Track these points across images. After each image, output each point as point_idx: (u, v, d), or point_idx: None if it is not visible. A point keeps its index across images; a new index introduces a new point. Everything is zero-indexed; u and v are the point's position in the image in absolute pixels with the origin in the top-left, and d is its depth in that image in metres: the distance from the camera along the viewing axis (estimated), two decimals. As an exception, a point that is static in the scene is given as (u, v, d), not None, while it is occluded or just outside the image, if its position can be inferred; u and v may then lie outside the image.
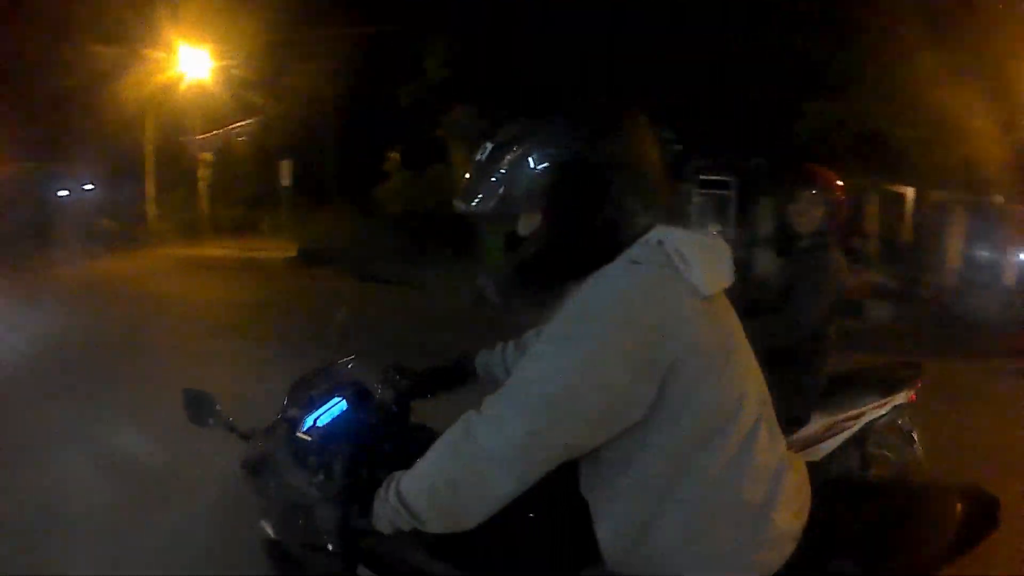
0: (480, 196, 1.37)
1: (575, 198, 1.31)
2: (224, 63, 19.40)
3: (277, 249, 14.75)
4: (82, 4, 19.45)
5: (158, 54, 19.52)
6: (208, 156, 20.77)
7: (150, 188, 22.98)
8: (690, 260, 1.22)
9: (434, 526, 1.25)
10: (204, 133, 20.64)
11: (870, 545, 1.47)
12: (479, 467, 1.18)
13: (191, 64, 19.78)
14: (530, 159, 1.32)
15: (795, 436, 3.04)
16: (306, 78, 18.46)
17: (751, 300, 3.34)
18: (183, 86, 20.55)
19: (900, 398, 3.24)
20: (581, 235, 1.33)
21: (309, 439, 1.55)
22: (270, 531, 1.74)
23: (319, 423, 1.58)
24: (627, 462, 1.26)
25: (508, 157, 1.34)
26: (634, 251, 1.27)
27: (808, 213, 3.17)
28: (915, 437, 3.37)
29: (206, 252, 17.18)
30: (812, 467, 2.16)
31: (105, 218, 23.51)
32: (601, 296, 1.24)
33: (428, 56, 16.48)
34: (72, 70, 19.40)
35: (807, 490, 1.42)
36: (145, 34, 19.27)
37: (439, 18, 15.83)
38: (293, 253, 13.96)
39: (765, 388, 1.42)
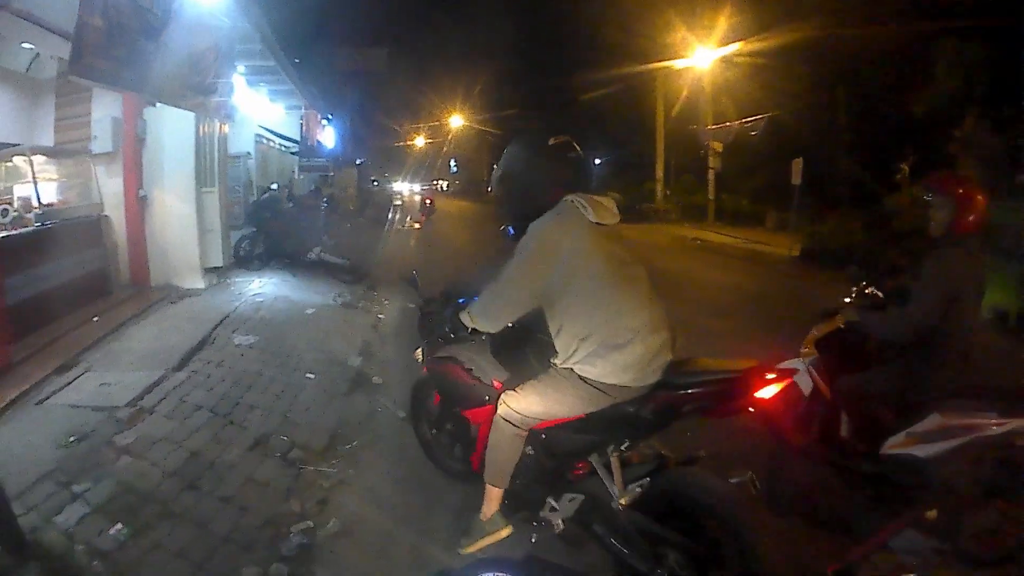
0: (492, 189, 3.38)
1: (511, 188, 3.08)
2: (739, 58, 20.12)
3: (780, 245, 14.81)
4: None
5: (669, 43, 21.55)
6: (718, 146, 21.50)
7: (659, 170, 25.35)
8: (587, 205, 2.78)
9: (480, 324, 3.00)
10: (716, 124, 21.59)
11: None
12: (491, 302, 2.95)
13: (700, 57, 21.09)
14: (499, 170, 3.09)
15: (910, 429, 3.30)
16: (818, 78, 18.13)
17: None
18: (698, 78, 22.00)
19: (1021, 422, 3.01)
20: (520, 204, 3.04)
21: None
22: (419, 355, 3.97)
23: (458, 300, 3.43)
24: (558, 327, 2.84)
25: (497, 171, 3.13)
26: (555, 208, 2.84)
27: (935, 216, 3.55)
28: None
29: (708, 236, 18.14)
30: (915, 462, 3.18)
31: (614, 191, 27.09)
32: (531, 231, 2.81)
33: (938, 60, 15.27)
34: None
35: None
36: (660, 26, 21.56)
37: (954, 17, 14.45)
38: (796, 252, 14.03)
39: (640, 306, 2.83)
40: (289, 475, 4.36)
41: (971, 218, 3.43)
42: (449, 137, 47.31)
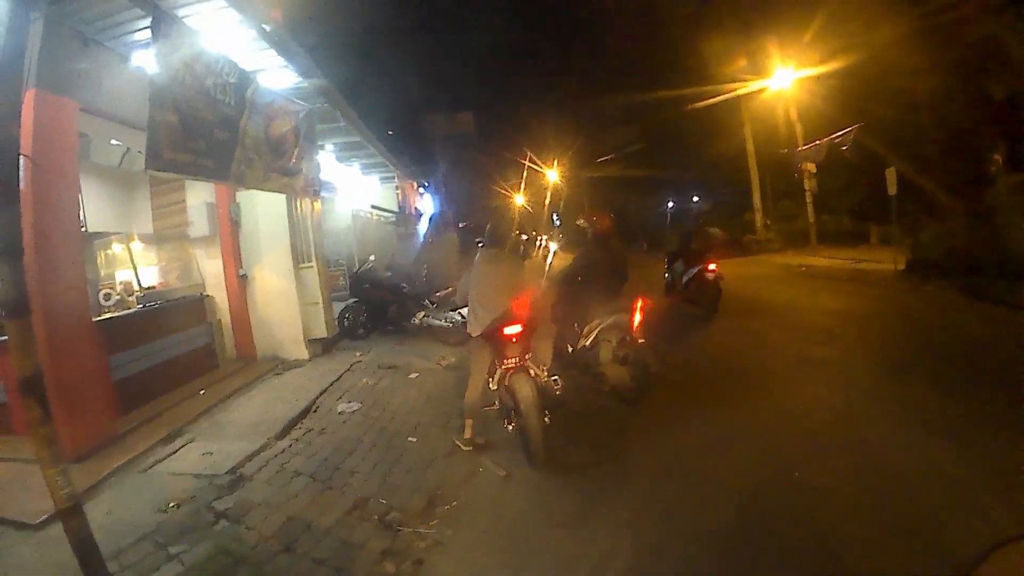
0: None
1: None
2: (818, 73, 19.53)
3: (885, 261, 14.18)
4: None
5: (751, 68, 21.22)
6: (811, 167, 20.88)
7: (756, 199, 24.63)
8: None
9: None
10: (806, 145, 20.85)
11: None
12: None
13: (779, 78, 20.55)
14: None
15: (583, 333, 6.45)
16: (896, 78, 17.39)
17: None
18: (775, 98, 21.46)
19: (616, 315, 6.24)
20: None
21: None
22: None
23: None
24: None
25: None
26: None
27: None
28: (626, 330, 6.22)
29: (812, 261, 17.42)
30: (586, 349, 6.46)
31: (713, 227, 26.48)
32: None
33: (1009, 39, 14.03)
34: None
35: None
36: (734, 53, 21.43)
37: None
38: (901, 266, 13.35)
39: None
40: (386, 537, 4.14)
41: None
42: (548, 192, 47.69)
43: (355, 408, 6.86)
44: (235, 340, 9.47)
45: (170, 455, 5.80)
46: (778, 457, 4.66)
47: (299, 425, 6.45)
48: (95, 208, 8.72)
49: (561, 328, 6.53)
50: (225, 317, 9.41)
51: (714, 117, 24.62)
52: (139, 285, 8.04)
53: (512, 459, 5.17)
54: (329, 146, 12.84)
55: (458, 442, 5.56)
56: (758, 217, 24.86)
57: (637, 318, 6.20)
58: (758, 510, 3.96)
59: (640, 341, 6.16)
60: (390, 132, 15.88)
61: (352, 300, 10.93)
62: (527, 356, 5.30)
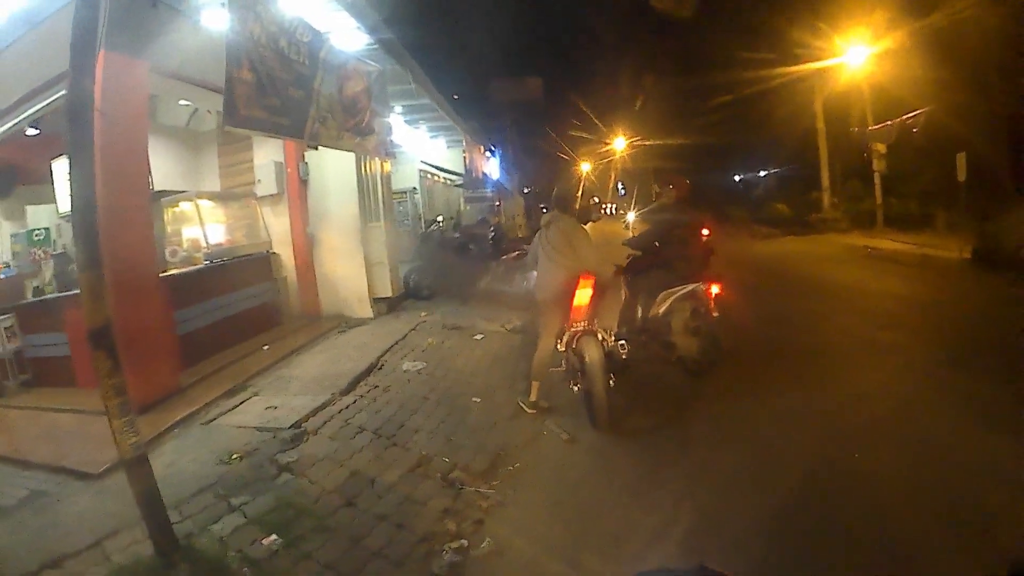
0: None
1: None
2: (887, 49, 18.64)
3: (951, 248, 13.48)
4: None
5: (823, 44, 20.08)
6: (881, 147, 19.64)
7: (824, 178, 23.68)
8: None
9: None
10: (877, 124, 20.07)
11: None
12: None
13: (854, 54, 19.57)
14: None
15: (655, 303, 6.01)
16: (968, 60, 16.28)
17: None
18: (852, 76, 20.50)
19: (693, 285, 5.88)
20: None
21: None
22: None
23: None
24: None
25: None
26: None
27: None
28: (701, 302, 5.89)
29: (877, 243, 16.59)
30: (658, 318, 5.98)
31: (779, 203, 25.39)
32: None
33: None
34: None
35: None
36: (810, 27, 20.26)
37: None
38: (967, 254, 12.58)
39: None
40: (448, 496, 4.01)
41: None
42: (614, 160, 46.84)
43: (420, 367, 6.77)
44: (300, 297, 9.53)
45: (233, 408, 5.82)
46: (839, 439, 4.35)
47: (364, 382, 6.39)
48: (163, 166, 8.84)
49: (634, 294, 6.37)
50: (291, 275, 9.47)
51: (785, 91, 23.65)
52: (206, 242, 8.09)
53: (576, 423, 5.01)
54: (398, 108, 12.73)
55: (523, 404, 5.43)
56: (825, 196, 23.73)
57: (715, 290, 5.87)
58: (816, 490, 3.71)
59: (715, 315, 5.85)
60: (455, 96, 15.66)
61: (418, 260, 10.86)
62: (595, 320, 5.16)
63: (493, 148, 26.17)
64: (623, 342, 5.31)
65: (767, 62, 22.56)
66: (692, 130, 31.39)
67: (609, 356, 4.94)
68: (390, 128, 8.78)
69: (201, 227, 8.13)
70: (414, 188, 16.69)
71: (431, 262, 10.67)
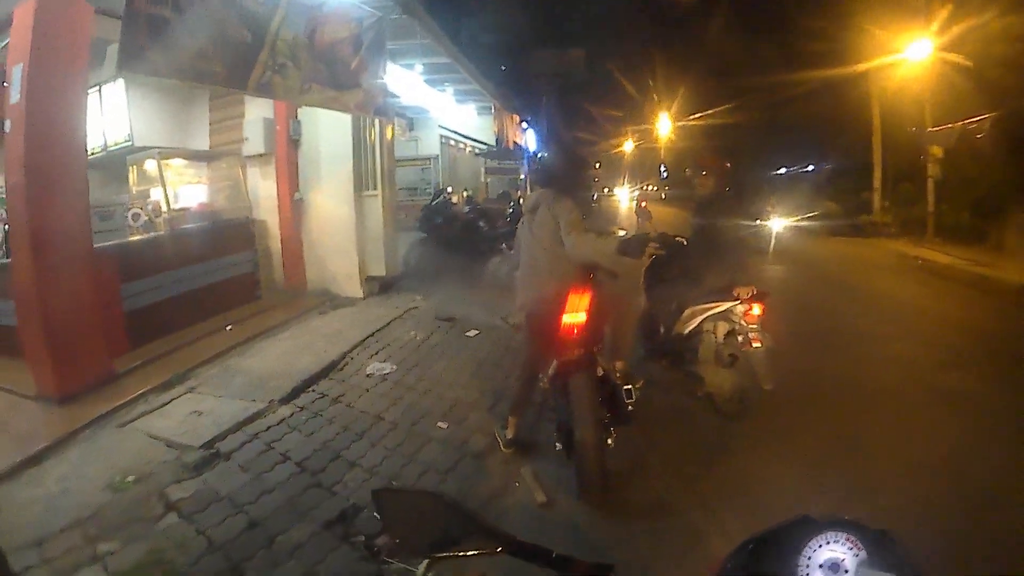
0: None
1: None
2: (953, 49, 17.10)
3: (1006, 268, 12.00)
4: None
5: (882, 35, 18.73)
6: (938, 151, 18.18)
7: (876, 178, 22.19)
8: None
9: None
10: (937, 126, 18.50)
11: None
12: None
13: (914, 49, 18.07)
14: None
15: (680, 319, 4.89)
16: None
17: None
18: (912, 72, 19.13)
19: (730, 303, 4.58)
20: None
21: None
22: None
23: None
24: None
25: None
26: None
27: None
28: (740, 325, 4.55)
29: (928, 255, 15.02)
30: (682, 336, 4.87)
31: (828, 200, 23.82)
32: None
33: None
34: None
35: None
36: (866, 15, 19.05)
37: None
38: None
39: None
40: (365, 573, 2.94)
41: None
42: (657, 141, 45.22)
43: (387, 371, 5.66)
44: (285, 270, 8.54)
45: (160, 407, 4.89)
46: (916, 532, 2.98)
47: (313, 387, 5.31)
48: (145, 121, 7.92)
49: (655, 304, 5.20)
50: (276, 244, 8.47)
51: (840, 84, 22.20)
52: (168, 207, 7.07)
53: (560, 476, 3.75)
54: (418, 66, 11.49)
55: (499, 437, 4.23)
56: (876, 198, 22.16)
57: (756, 310, 4.50)
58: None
59: (756, 344, 4.41)
60: (503, 68, 14.40)
61: (422, 235, 9.76)
62: (596, 347, 3.79)
63: (529, 119, 24.74)
64: (632, 385, 3.86)
65: (823, 53, 21.39)
66: (739, 113, 30.06)
67: (610, 402, 3.70)
68: (385, 84, 7.55)
69: (163, 189, 7.11)
70: (435, 156, 15.58)
71: (436, 240, 9.47)
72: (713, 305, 4.68)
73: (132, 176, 7.50)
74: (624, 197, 45.09)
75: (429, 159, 15.46)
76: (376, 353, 6.16)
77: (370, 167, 8.68)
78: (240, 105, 8.52)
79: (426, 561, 1.18)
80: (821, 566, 0.91)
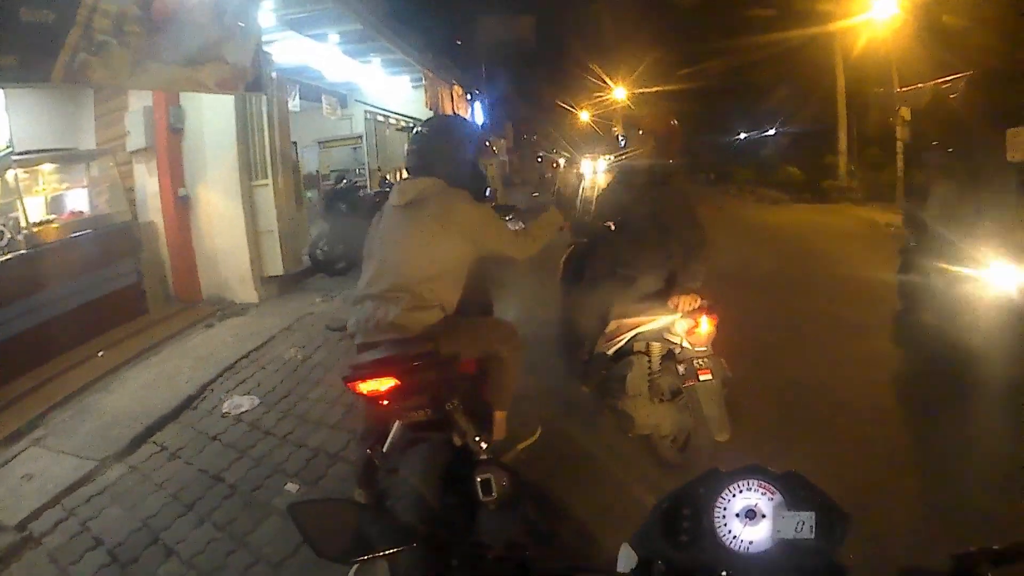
0: None
1: None
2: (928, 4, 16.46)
3: None
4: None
5: None
6: (906, 113, 17.76)
7: (841, 140, 21.71)
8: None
9: None
10: (906, 86, 17.99)
11: None
12: None
13: (881, 6, 17.29)
14: None
15: (604, 333, 3.72)
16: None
17: None
18: (879, 33, 18.49)
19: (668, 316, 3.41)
20: None
21: None
22: None
23: None
24: None
25: None
26: None
27: None
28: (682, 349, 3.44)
29: (899, 221, 14.85)
30: (604, 356, 3.68)
31: (790, 165, 23.65)
32: None
33: None
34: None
35: None
36: None
37: None
38: None
39: None
40: None
41: None
42: (614, 110, 44.34)
43: (246, 408, 4.97)
44: (175, 277, 7.82)
45: (-5, 468, 4.31)
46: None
47: (155, 437, 4.67)
48: (30, 123, 7.02)
49: (575, 309, 3.97)
50: (163, 249, 7.76)
51: (804, 47, 21.67)
52: (26, 221, 6.30)
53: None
54: (333, 36, 10.48)
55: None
56: (842, 161, 21.65)
57: (705, 326, 3.37)
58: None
59: (704, 376, 3.29)
60: (458, 42, 13.39)
61: (325, 226, 9.06)
62: (452, 403, 2.51)
63: (475, 91, 23.50)
64: (489, 476, 2.11)
65: (787, 15, 20.90)
66: (699, 78, 29.45)
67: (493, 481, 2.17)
68: (263, 58, 6.75)
69: (20, 202, 6.32)
70: (359, 136, 14.85)
71: (342, 229, 8.68)
72: (645, 319, 3.54)
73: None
74: (581, 168, 44.09)
75: (360, 138, 14.67)
76: (243, 382, 5.52)
77: (258, 153, 7.90)
78: (123, 95, 7.66)
79: (356, 566, 1.45)
80: (738, 515, 0.93)
